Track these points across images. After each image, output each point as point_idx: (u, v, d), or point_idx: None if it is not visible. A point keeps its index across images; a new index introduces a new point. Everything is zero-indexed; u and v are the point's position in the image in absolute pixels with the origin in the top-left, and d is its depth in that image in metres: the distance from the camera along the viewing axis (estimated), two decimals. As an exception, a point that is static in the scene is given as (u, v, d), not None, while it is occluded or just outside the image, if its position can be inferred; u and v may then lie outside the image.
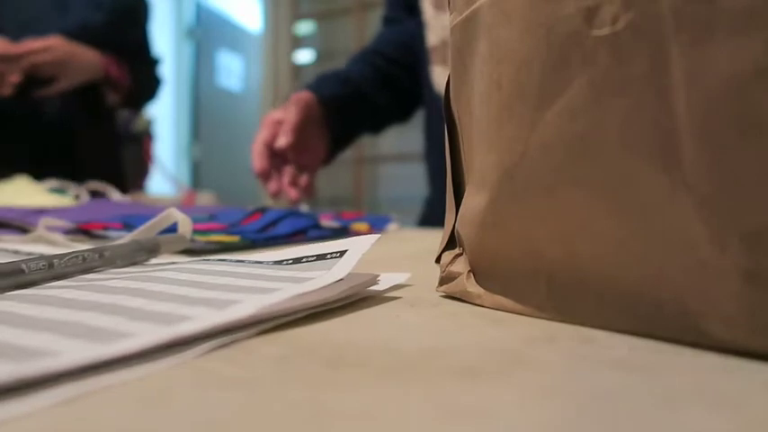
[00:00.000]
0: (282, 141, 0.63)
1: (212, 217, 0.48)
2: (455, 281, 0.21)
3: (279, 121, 0.65)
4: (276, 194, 0.66)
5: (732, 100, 0.13)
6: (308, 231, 0.45)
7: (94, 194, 0.76)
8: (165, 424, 0.10)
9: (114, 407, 0.11)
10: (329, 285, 0.19)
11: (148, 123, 1.89)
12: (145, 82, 1.11)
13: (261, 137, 0.66)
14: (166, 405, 0.11)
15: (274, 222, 0.45)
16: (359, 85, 0.73)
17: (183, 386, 0.12)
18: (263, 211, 0.49)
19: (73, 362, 0.12)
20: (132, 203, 0.66)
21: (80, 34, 0.95)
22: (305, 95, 0.67)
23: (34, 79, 0.88)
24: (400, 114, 0.83)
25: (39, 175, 0.78)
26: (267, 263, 0.24)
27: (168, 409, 0.11)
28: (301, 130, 0.64)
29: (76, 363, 0.12)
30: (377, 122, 0.81)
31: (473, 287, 0.20)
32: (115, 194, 0.76)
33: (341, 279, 0.19)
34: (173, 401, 0.11)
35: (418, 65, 0.76)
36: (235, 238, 0.39)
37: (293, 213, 0.48)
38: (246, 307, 0.16)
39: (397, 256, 0.36)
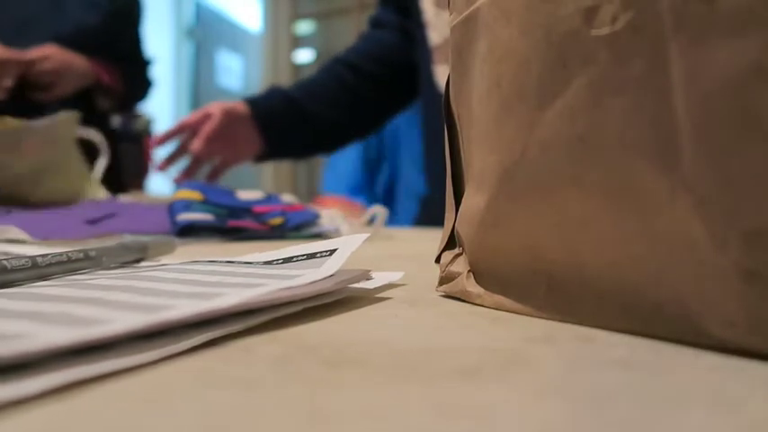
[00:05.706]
0: (195, 145, 0.72)
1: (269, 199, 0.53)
2: (455, 280, 0.21)
3: (208, 114, 0.73)
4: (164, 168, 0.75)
5: (731, 99, 0.13)
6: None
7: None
8: (165, 424, 0.10)
9: (114, 406, 0.11)
10: (318, 280, 0.19)
11: (148, 123, 1.89)
12: (136, 84, 1.12)
13: (187, 120, 0.74)
14: (166, 405, 0.11)
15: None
16: (305, 105, 0.79)
17: (182, 386, 0.12)
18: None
19: (50, 343, 0.12)
20: (131, 203, 0.66)
21: (75, 35, 0.95)
22: (240, 106, 0.76)
23: (29, 86, 0.88)
24: (357, 131, 0.88)
25: None
26: (257, 263, 0.24)
27: (168, 409, 0.11)
28: (214, 139, 0.72)
29: (54, 343, 0.12)
30: (323, 141, 0.86)
31: (473, 287, 0.20)
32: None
33: (331, 275, 0.19)
34: (173, 401, 0.11)
35: (392, 79, 0.81)
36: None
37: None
38: (230, 298, 0.16)
39: (396, 255, 0.36)
